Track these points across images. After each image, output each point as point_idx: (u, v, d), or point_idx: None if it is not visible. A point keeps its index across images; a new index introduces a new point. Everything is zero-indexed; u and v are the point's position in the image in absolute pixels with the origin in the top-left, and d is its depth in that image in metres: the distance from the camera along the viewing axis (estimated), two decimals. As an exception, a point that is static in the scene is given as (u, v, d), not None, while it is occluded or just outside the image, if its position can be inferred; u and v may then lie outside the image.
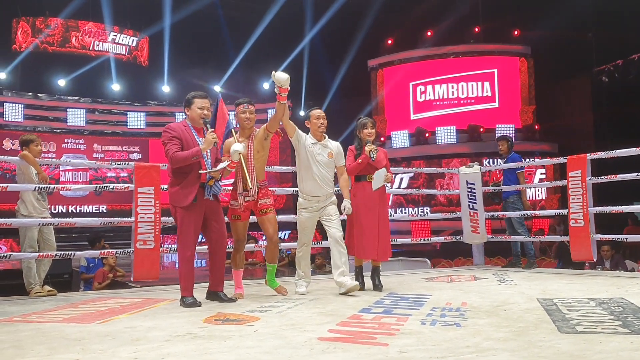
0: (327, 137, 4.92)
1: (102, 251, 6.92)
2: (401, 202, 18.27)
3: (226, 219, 4.64)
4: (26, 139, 5.35)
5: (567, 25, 15.32)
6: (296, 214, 5.01)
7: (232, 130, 4.72)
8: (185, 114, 4.38)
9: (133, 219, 5.34)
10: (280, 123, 4.71)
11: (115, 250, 6.09)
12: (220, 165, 4.25)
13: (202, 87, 19.71)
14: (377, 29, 18.40)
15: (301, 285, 4.85)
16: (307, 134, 4.88)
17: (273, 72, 4.44)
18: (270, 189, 7.24)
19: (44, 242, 5.30)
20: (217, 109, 4.89)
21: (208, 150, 4.26)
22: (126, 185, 5.67)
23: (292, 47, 18.59)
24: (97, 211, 17.85)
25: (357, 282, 4.68)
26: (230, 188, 4.76)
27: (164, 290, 5.28)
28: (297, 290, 4.81)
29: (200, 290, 4.43)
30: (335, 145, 4.93)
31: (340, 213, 4.88)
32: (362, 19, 17.96)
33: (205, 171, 4.21)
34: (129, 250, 5.45)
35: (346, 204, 4.84)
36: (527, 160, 10.67)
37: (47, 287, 5.21)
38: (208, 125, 4.28)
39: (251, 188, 4.55)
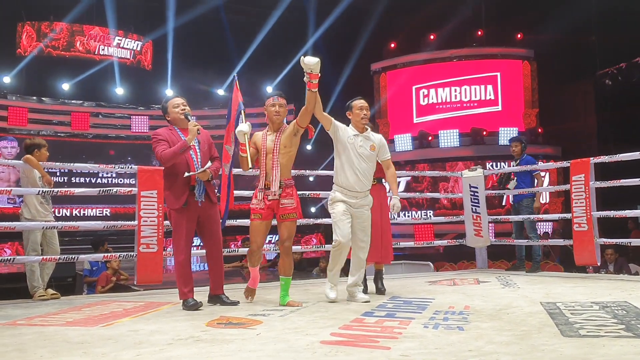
0: (369, 128, 4.63)
1: (106, 254, 6.93)
2: (404, 205, 18.26)
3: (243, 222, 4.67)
4: (36, 143, 5.37)
5: (570, 29, 15.31)
6: (304, 217, 4.93)
7: (242, 111, 4.48)
8: (167, 120, 4.43)
9: (136, 222, 5.35)
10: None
11: (118, 254, 6.10)
12: (206, 166, 4.28)
13: (205, 91, 19.80)
14: (380, 33, 18.43)
15: (332, 290, 4.51)
16: (348, 125, 4.58)
17: (302, 57, 4.12)
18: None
19: (47, 245, 5.32)
20: (233, 92, 4.80)
21: (198, 150, 4.30)
22: (129, 188, 5.68)
23: (295, 50, 18.58)
24: (101, 214, 17.90)
25: (368, 299, 4.41)
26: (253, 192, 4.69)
27: (167, 294, 5.28)
28: (328, 294, 4.47)
29: (202, 294, 4.44)
30: (378, 138, 4.63)
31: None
32: (365, 22, 18.00)
33: (190, 174, 4.20)
34: (132, 253, 5.46)
35: (395, 201, 4.55)
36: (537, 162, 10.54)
37: (51, 291, 5.22)
38: (189, 117, 4.34)
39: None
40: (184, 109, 4.35)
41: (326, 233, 15.81)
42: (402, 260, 8.88)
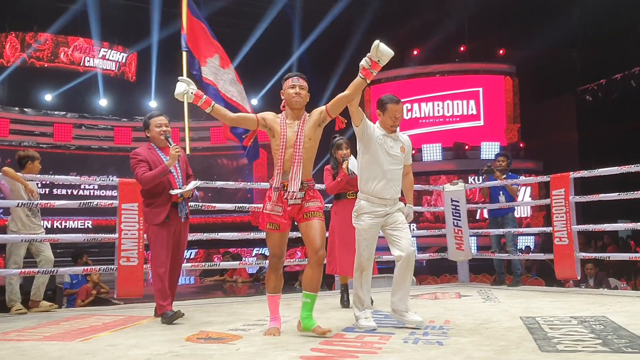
0: (398, 129, 4.13)
1: (86, 267, 6.86)
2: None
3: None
4: (30, 155, 5.37)
5: (552, 45, 15.55)
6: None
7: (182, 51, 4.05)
8: (147, 137, 4.50)
9: (117, 235, 5.32)
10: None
11: (98, 267, 6.05)
12: (191, 185, 4.33)
13: (190, 103, 19.73)
14: (364, 47, 18.42)
15: (367, 318, 3.88)
16: (375, 124, 4.07)
17: (377, 40, 3.53)
18: (257, 205, 7.16)
19: (38, 255, 5.31)
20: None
21: (178, 168, 4.38)
22: (110, 201, 5.65)
23: (281, 63, 18.68)
24: (83, 227, 17.72)
25: (420, 319, 3.83)
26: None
27: (148, 308, 5.22)
28: (363, 324, 3.82)
29: (181, 307, 4.41)
30: (406, 139, 4.15)
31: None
32: (350, 37, 18.12)
33: (176, 191, 4.28)
34: (112, 267, 5.41)
35: (410, 211, 4.08)
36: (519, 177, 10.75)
37: (46, 303, 5.22)
38: (169, 139, 4.40)
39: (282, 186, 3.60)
40: (166, 130, 4.43)
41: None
42: (385, 273, 8.88)
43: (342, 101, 3.64)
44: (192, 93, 3.61)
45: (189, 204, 4.55)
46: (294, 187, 3.54)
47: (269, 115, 3.72)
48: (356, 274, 3.98)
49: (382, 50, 3.51)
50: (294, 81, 3.70)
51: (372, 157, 3.95)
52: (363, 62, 3.57)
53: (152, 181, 4.25)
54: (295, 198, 3.58)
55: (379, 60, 3.54)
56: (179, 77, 3.64)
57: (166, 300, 4.23)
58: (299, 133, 3.60)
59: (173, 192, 4.27)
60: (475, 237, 12.00)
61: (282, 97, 3.74)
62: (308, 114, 3.70)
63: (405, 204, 4.11)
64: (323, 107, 3.68)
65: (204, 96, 3.64)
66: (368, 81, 3.61)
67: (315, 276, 3.56)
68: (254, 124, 3.69)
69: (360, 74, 3.59)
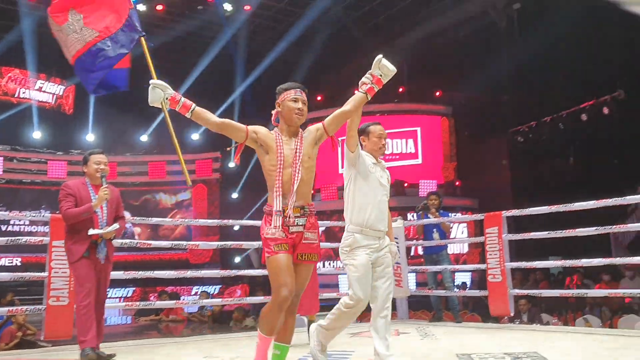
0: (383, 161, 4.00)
1: (10, 308, 6.52)
2: (330, 255, 18.31)
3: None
4: None
5: (485, 88, 16.22)
6: (228, 268, 4.71)
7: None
8: (83, 172, 4.47)
9: (46, 273, 5.09)
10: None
11: (25, 307, 5.75)
12: (112, 227, 4.25)
13: (128, 137, 19.41)
14: (306, 86, 18.75)
15: (323, 354, 3.81)
16: (363, 153, 3.91)
17: (380, 55, 3.43)
18: (195, 242, 7.05)
19: None
20: None
21: (105, 208, 4.35)
22: (40, 238, 5.43)
23: (222, 99, 18.69)
24: (11, 264, 16.91)
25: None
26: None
27: (76, 350, 5.00)
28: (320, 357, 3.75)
29: (114, 349, 4.23)
30: (388, 172, 4.05)
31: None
32: (293, 74, 18.36)
33: (94, 232, 4.23)
34: (40, 307, 5.16)
35: (394, 248, 3.85)
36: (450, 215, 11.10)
37: None
38: (103, 180, 4.35)
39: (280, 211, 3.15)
40: (103, 169, 4.40)
41: (250, 284, 15.55)
42: (326, 311, 8.84)
43: (341, 117, 3.37)
44: (167, 99, 3.14)
45: (123, 241, 4.45)
46: (290, 210, 3.13)
47: (261, 129, 3.28)
48: (348, 313, 3.67)
49: (385, 65, 3.39)
50: (297, 94, 3.30)
51: (365, 186, 3.77)
52: (364, 79, 3.43)
53: (74, 218, 4.24)
54: (297, 225, 3.16)
55: (381, 76, 3.40)
56: (151, 81, 3.15)
57: (88, 334, 4.11)
58: (297, 151, 3.22)
59: (91, 232, 4.24)
60: (414, 274, 12.15)
61: (278, 109, 3.32)
62: (303, 131, 3.34)
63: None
64: (320, 124, 3.35)
65: (181, 100, 3.18)
66: (369, 97, 3.42)
67: (287, 324, 3.13)
68: (242, 136, 3.23)
69: (360, 89, 3.41)
